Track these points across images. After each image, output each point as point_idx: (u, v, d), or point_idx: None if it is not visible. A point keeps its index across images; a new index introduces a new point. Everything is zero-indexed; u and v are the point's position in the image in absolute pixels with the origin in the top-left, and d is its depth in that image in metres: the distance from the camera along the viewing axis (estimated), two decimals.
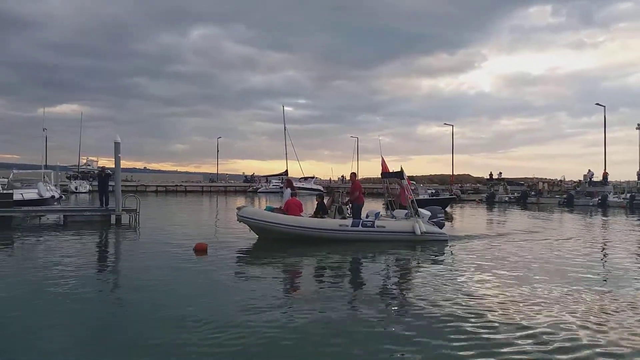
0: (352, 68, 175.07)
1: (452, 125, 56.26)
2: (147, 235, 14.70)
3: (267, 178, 63.15)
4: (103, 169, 20.54)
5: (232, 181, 71.15)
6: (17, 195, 18.90)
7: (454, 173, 55.60)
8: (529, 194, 41.17)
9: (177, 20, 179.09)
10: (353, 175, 15.12)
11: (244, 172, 77.31)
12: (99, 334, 5.41)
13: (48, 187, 23.12)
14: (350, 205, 13.75)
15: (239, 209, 13.65)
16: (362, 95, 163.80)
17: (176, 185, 59.82)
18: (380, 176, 16.14)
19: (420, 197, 28.44)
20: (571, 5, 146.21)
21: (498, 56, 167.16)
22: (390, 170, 15.02)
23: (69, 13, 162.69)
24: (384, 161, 15.14)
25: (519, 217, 24.94)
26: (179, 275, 8.56)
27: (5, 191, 19.15)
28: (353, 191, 13.82)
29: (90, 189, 48.34)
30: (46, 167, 30.99)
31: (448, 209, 28.22)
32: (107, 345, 5.03)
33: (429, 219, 13.56)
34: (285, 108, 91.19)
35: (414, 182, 35.73)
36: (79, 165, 64.68)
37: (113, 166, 18.94)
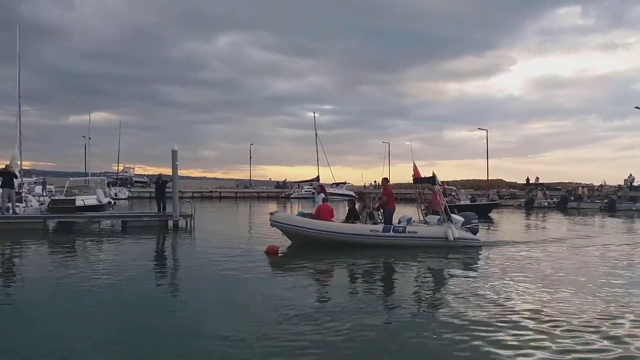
0: (377, 72, 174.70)
1: (487, 130, 55.12)
2: (204, 239, 15.17)
3: (299, 184, 63.50)
4: (160, 176, 21.11)
5: (264, 187, 71.92)
6: (79, 201, 19.84)
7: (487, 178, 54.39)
8: (568, 199, 39.89)
9: (203, 27, 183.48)
10: (385, 180, 15.06)
11: (270, 178, 78.26)
12: (151, 335, 5.60)
13: (105, 194, 24.26)
14: (382, 210, 13.71)
15: (271, 214, 13.87)
16: (388, 99, 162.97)
17: (211, 192, 60.89)
18: (412, 181, 16.02)
19: (462, 202, 27.99)
20: (601, 6, 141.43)
21: (527, 59, 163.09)
22: (422, 176, 14.88)
23: (99, 21, 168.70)
24: (415, 166, 15.03)
25: (560, 223, 24.17)
26: (236, 279, 8.85)
27: (68, 197, 20.15)
28: (384, 196, 13.78)
29: (130, 195, 49.84)
30: (86, 174, 32.26)
31: (491, 215, 27.75)
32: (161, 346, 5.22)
33: (462, 225, 13.36)
34: (310, 114, 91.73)
35: (453, 188, 35.08)
36: (117, 172, 66.79)
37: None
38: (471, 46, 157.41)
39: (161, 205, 19.29)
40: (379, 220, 13.47)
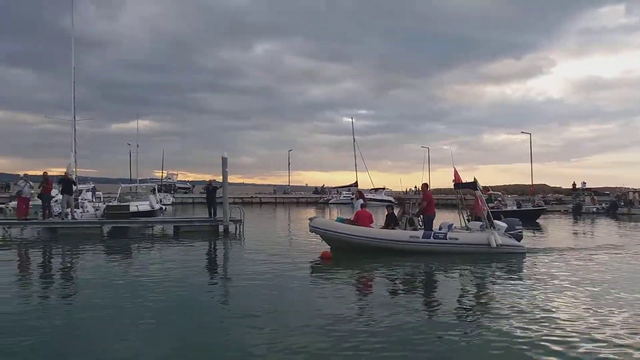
0: (412, 76, 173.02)
1: (530, 134, 53.45)
2: (252, 244, 15.52)
3: (338, 189, 63.51)
4: (210, 182, 21.51)
5: (302, 193, 72.37)
6: (133, 207, 20.66)
7: (530, 183, 52.63)
8: (618, 205, 38.08)
9: (241, 36, 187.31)
10: (424, 186, 14.87)
11: (307, 184, 78.54)
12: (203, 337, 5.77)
13: (157, 199, 25.18)
14: (422, 216, 13.54)
15: (310, 219, 13.96)
16: (423, 103, 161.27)
17: (251, 197, 61.82)
18: (452, 187, 15.75)
19: (508, 208, 27.26)
20: None
21: (567, 60, 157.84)
22: (463, 181, 14.60)
23: (138, 32, 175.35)
24: (456, 171, 14.75)
25: (611, 229, 23.09)
26: (287, 283, 9.01)
27: (123, 203, 21.02)
28: (424, 202, 13.61)
29: (174, 200, 51.24)
30: (131, 180, 33.52)
31: (538, 221, 26.89)
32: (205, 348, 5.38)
33: (505, 231, 13.02)
34: (346, 119, 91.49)
35: (499, 193, 34.16)
36: (162, 179, 68.83)
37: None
38: (509, 48, 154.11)
39: (212, 210, 19.69)
40: (418, 227, 13.31)
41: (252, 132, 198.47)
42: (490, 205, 27.69)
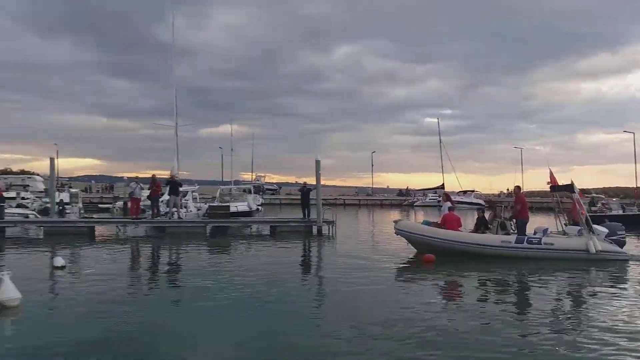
0: (500, 74, 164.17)
1: (633, 133, 48.57)
2: (344, 244, 16.09)
3: (424, 192, 62.38)
4: (305, 184, 22.06)
5: (386, 195, 71.96)
6: (233, 207, 22.21)
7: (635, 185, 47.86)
8: None
9: (322, 41, 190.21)
10: (517, 188, 14.38)
11: (388, 186, 77.87)
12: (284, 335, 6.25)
13: (253, 200, 26.84)
14: (515, 220, 13.13)
15: (395, 222, 14.09)
16: (513, 102, 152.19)
17: (335, 199, 62.70)
18: (547, 189, 15.05)
19: (613, 212, 25.36)
20: None
21: None
22: (559, 183, 13.91)
23: (226, 40, 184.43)
24: (552, 173, 14.09)
25: None
26: (379, 286, 9.16)
27: (224, 204, 22.72)
28: (517, 205, 13.19)
29: (262, 201, 53.51)
30: (223, 182, 35.65)
31: None
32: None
33: (606, 237, 12.26)
34: (429, 120, 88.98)
35: (602, 196, 31.71)
36: (252, 181, 72.06)
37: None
38: (605, 43, 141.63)
39: (306, 211, 20.42)
40: (511, 231, 12.94)
41: (333, 134, 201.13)
42: (593, 209, 25.83)
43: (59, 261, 10.73)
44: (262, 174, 78.17)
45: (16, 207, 24.83)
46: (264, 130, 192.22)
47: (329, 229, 18.78)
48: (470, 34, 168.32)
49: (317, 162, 19.18)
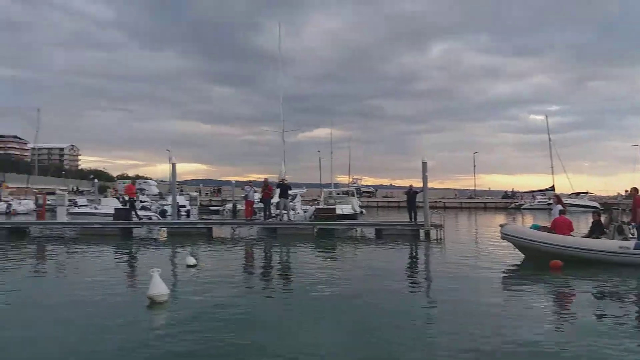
0: (613, 66, 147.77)
1: None
2: (453, 250, 15.60)
3: (533, 194, 58.89)
4: (411, 187, 21.96)
5: (489, 197, 68.95)
6: (338, 210, 23.33)
7: None
8: None
9: (416, 40, 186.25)
10: (634, 190, 13.45)
11: (489, 187, 74.33)
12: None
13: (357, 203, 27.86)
14: (635, 224, 12.36)
15: (502, 226, 13.90)
16: (627, 95, 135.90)
17: (435, 201, 61.45)
18: None
19: None
20: None
21: None
22: None
23: (320, 45, 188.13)
24: None
25: None
26: (490, 292, 9.10)
27: (330, 206, 23.94)
28: (636, 208, 12.41)
29: (360, 204, 54.15)
30: (321, 185, 37.01)
31: None
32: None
33: None
34: (534, 117, 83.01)
35: None
36: (349, 184, 73.18)
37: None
38: None
39: (412, 214, 20.43)
40: (630, 236, 12.21)
41: (429, 135, 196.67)
42: None
43: (191, 260, 11.91)
44: (359, 177, 79.04)
45: (140, 209, 27.98)
46: (357, 133, 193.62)
47: (437, 232, 18.66)
48: (578, 26, 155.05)
49: (424, 164, 19.29)
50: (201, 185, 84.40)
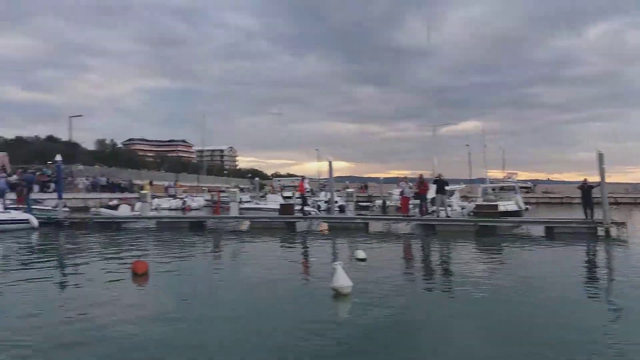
0: None
1: None
2: (637, 249, 14.32)
3: None
4: (585, 181, 20.10)
5: None
6: (501, 207, 22.39)
7: None
8: None
9: (570, 22, 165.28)
10: None
11: None
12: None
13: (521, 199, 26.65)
14: None
15: None
16: None
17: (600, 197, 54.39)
18: None
19: None
20: None
21: None
22: None
23: (462, 36, 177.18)
24: None
25: None
26: None
27: (491, 203, 23.12)
28: None
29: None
30: (470, 180, 35.16)
31: None
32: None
33: None
34: None
35: None
36: (503, 179, 68.41)
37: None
38: None
39: (588, 211, 18.80)
40: None
41: (590, 124, 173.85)
42: None
43: (361, 254, 12.17)
44: (513, 172, 73.47)
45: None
46: (507, 124, 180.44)
47: (618, 230, 16.80)
48: None
49: (600, 155, 17.42)
50: (347, 182, 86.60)
